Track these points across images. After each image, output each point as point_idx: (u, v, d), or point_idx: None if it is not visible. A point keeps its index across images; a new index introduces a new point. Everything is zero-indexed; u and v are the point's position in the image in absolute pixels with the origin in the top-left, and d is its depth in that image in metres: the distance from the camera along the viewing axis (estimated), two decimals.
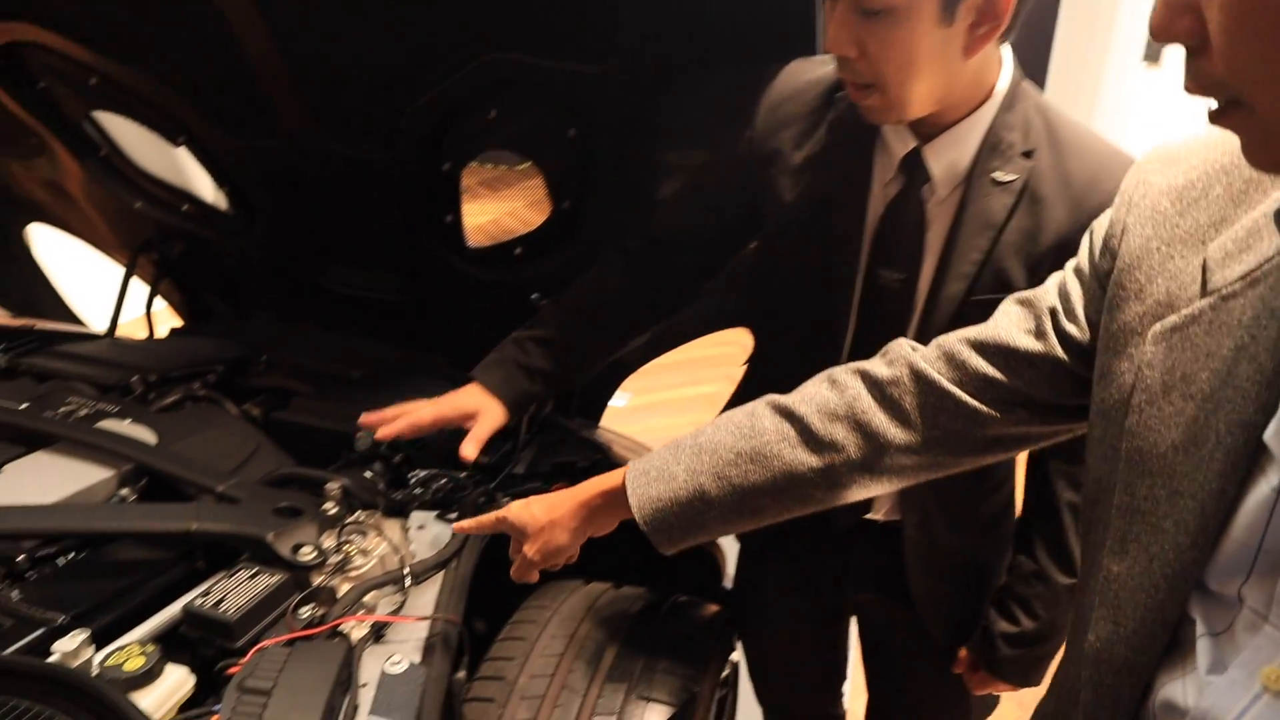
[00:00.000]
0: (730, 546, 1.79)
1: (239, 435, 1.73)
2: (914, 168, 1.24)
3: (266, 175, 2.19)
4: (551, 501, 1.13)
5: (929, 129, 1.22)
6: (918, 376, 0.95)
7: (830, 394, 0.99)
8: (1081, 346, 0.86)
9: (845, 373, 1.00)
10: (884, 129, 1.27)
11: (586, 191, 1.97)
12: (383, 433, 1.49)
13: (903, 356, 0.97)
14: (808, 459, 0.97)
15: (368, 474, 1.67)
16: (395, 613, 1.25)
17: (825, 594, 1.60)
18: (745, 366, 1.68)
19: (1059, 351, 0.88)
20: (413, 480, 1.68)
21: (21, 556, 1.30)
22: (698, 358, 3.49)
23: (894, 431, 0.95)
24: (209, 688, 1.13)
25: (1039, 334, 0.90)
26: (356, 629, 1.21)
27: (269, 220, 2.27)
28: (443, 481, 1.66)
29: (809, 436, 0.97)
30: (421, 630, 1.23)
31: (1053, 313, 0.89)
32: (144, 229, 2.46)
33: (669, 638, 1.48)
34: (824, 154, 1.33)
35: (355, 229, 2.22)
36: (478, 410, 1.50)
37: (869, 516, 1.43)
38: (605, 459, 1.84)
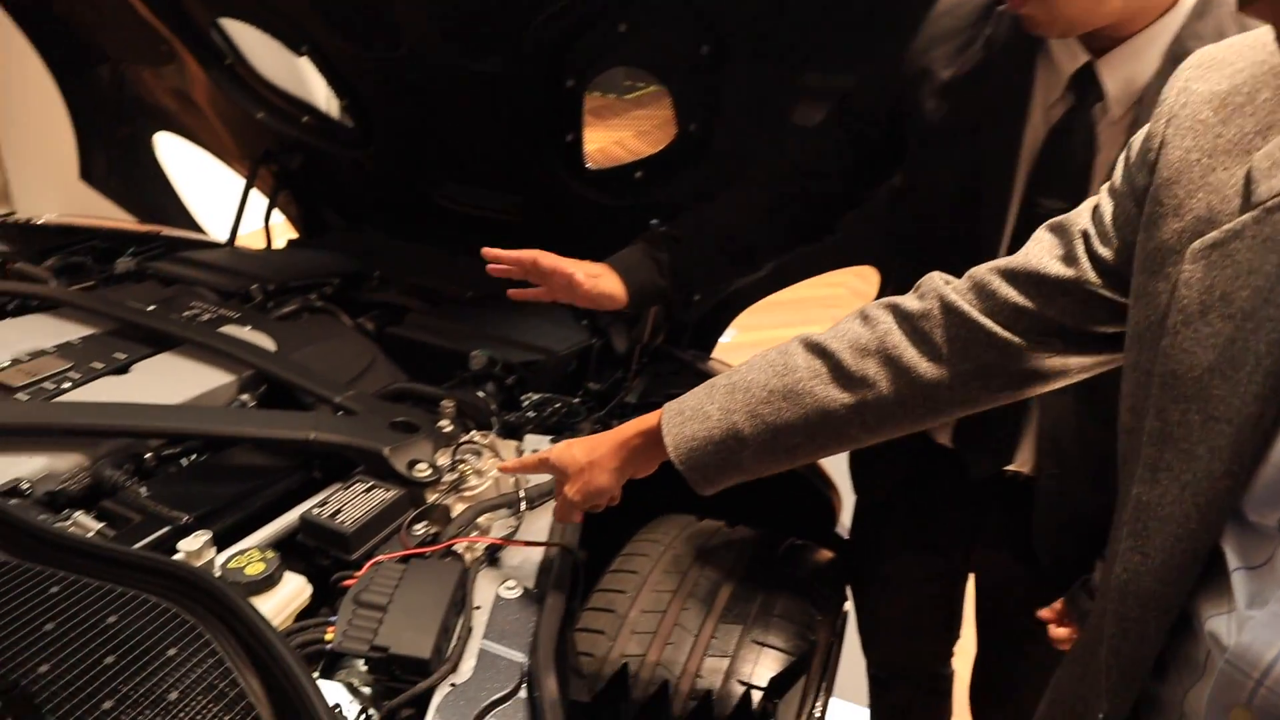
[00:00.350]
0: (848, 494, 1.72)
1: (355, 347, 1.72)
2: (1085, 85, 1.12)
3: (386, 88, 2.16)
4: (592, 443, 1.11)
5: (1103, 41, 1.09)
6: (948, 308, 0.92)
7: (862, 329, 0.96)
8: (1115, 270, 0.83)
9: (877, 307, 0.98)
10: (1050, 43, 1.15)
11: (715, 114, 1.88)
12: (496, 269, 1.44)
13: (934, 289, 0.94)
14: (840, 395, 0.95)
15: (481, 394, 1.64)
16: (509, 537, 1.22)
17: (950, 552, 1.52)
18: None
19: (1091, 276, 0.85)
20: (525, 403, 1.65)
21: (149, 455, 1.31)
22: (805, 297, 3.38)
23: (925, 365, 0.93)
24: (323, 597, 1.12)
25: (1070, 259, 0.86)
26: (470, 550, 1.18)
27: (386, 134, 2.25)
28: (556, 406, 1.62)
29: (840, 372, 0.95)
30: (535, 556, 1.20)
31: (1084, 236, 0.86)
32: (265, 140, 2.47)
33: (784, 582, 1.42)
34: (978, 72, 1.22)
35: (472, 146, 2.18)
36: (601, 273, 1.43)
37: (1011, 469, 1.34)
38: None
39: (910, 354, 0.93)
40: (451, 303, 2.08)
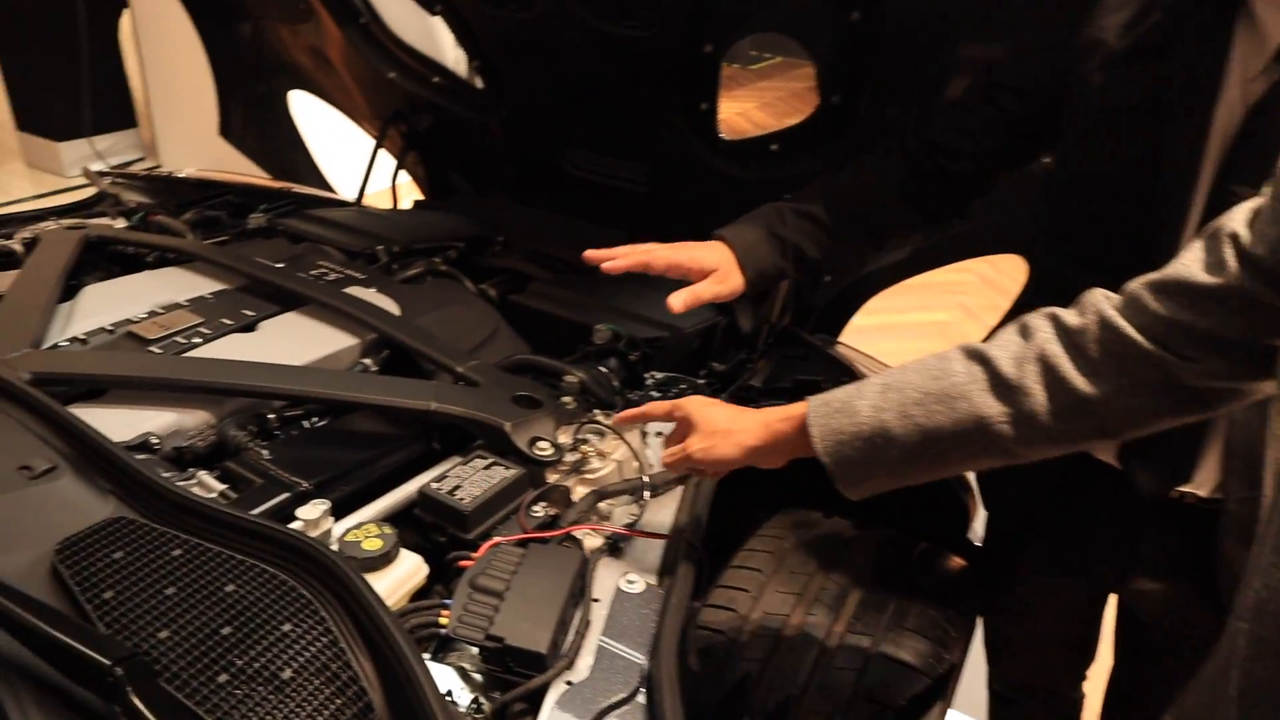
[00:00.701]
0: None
1: (478, 315, 1.68)
2: None
3: (519, 50, 2.11)
4: (736, 412, 1.09)
5: None
6: (1104, 323, 0.88)
7: (1021, 339, 0.93)
8: (1273, 273, 0.77)
9: (1038, 317, 0.94)
10: (1256, 6, 1.00)
11: (860, 85, 1.76)
12: (609, 266, 1.35)
13: (1094, 303, 0.91)
14: (995, 404, 0.91)
15: (603, 369, 1.59)
16: (632, 526, 1.16)
17: (1097, 575, 1.39)
18: (1015, 304, 1.46)
19: (1245, 282, 0.79)
20: (649, 382, 1.59)
21: (272, 415, 1.31)
22: (931, 282, 3.22)
23: (1080, 381, 0.88)
24: (437, 574, 1.09)
25: (1218, 266, 0.81)
26: (591, 538, 1.13)
27: (517, 97, 2.20)
28: (681, 387, 1.56)
29: (998, 381, 0.91)
30: (658, 549, 1.14)
31: (1234, 239, 0.80)
32: (395, 100, 2.46)
33: (917, 590, 1.33)
34: (1161, 43, 1.08)
35: (604, 112, 2.11)
36: (716, 269, 1.34)
37: (1185, 489, 1.21)
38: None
39: (1067, 367, 0.89)
40: (575, 272, 2.03)
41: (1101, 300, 0.91)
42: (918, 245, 1.98)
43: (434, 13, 2.15)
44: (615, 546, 1.14)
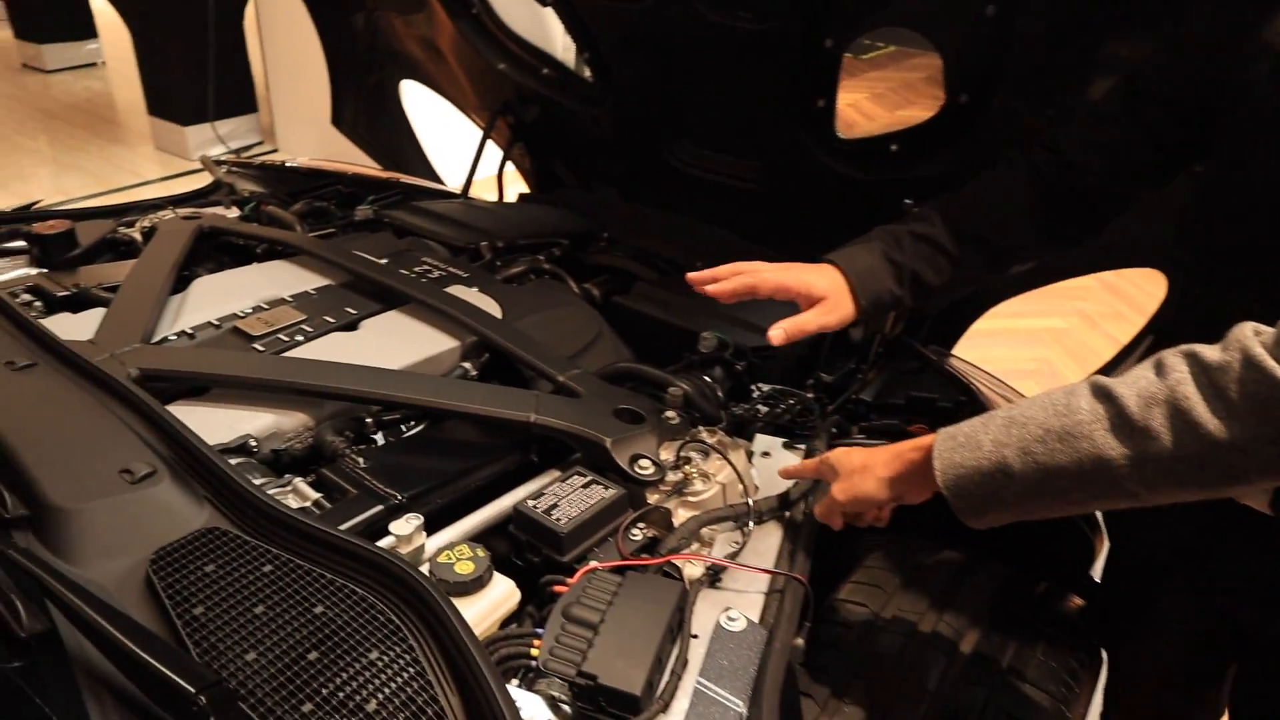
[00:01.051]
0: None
1: (581, 318, 1.64)
2: None
3: (631, 41, 2.06)
4: (870, 450, 1.09)
5: None
6: (1249, 362, 0.81)
7: (1153, 377, 0.88)
8: None
9: (1174, 354, 0.89)
10: None
11: (992, 84, 1.65)
12: (714, 290, 1.30)
13: (1240, 339, 0.83)
14: (1117, 445, 0.87)
15: (707, 378, 1.52)
16: (735, 556, 1.10)
17: (1237, 616, 1.27)
18: (1150, 323, 1.33)
19: None
20: (756, 395, 1.52)
21: (369, 419, 1.29)
22: (1049, 286, 3.06)
23: (1214, 425, 0.82)
24: (529, 592, 1.05)
25: None
26: (691, 567, 1.07)
27: (626, 90, 2.15)
28: (790, 402, 1.48)
29: (1123, 420, 0.87)
30: (761, 582, 1.08)
31: None
32: (504, 91, 2.44)
33: (1036, 636, 1.23)
34: None
35: (715, 106, 2.04)
36: (825, 296, 1.27)
37: None
38: (972, 402, 1.56)
39: (1200, 410, 0.83)
40: (681, 272, 1.97)
41: (1249, 336, 0.83)
42: (1044, 260, 1.86)
43: (545, 4, 2.11)
44: (716, 577, 1.08)
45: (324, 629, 0.86)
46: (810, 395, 1.55)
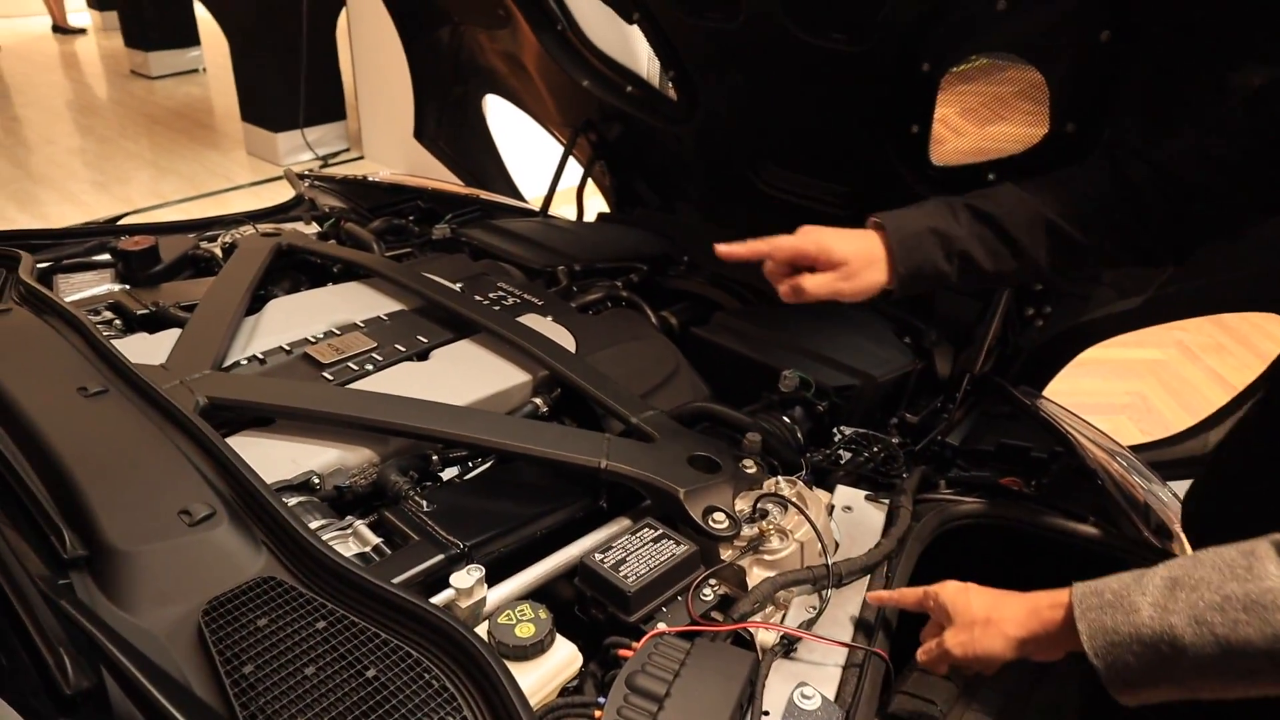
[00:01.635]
0: None
1: (658, 353, 1.58)
2: None
3: (717, 61, 2.00)
4: (996, 598, 0.94)
5: None
6: None
7: None
8: None
9: None
10: None
11: (1100, 113, 1.54)
12: (724, 251, 1.21)
13: None
14: None
15: (786, 418, 1.45)
16: (811, 624, 1.03)
17: None
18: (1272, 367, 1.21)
19: None
20: (838, 439, 1.44)
21: (435, 457, 1.25)
22: None
23: None
24: (590, 649, 0.99)
25: None
26: (764, 633, 1.00)
27: (712, 110, 2.09)
28: (875, 450, 1.40)
29: None
30: (839, 654, 1.00)
31: None
32: (587, 108, 2.41)
33: None
34: None
35: (803, 128, 1.97)
36: (846, 262, 1.16)
37: None
38: (1069, 454, 1.45)
39: None
40: (762, 300, 1.90)
41: None
42: (1153, 293, 1.74)
43: (631, 21, 2.07)
44: (791, 647, 1.01)
45: (376, 694, 0.81)
46: (895, 440, 1.47)
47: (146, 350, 1.36)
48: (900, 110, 1.74)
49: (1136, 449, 1.82)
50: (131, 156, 5.85)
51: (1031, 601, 0.90)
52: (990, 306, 1.71)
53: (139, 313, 1.55)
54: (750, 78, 1.95)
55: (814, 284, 1.15)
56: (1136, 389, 3.71)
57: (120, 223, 2.00)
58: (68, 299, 1.64)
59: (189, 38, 7.84)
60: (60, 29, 9.64)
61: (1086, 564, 1.25)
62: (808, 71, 1.82)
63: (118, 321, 1.57)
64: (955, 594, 0.96)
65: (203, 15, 6.86)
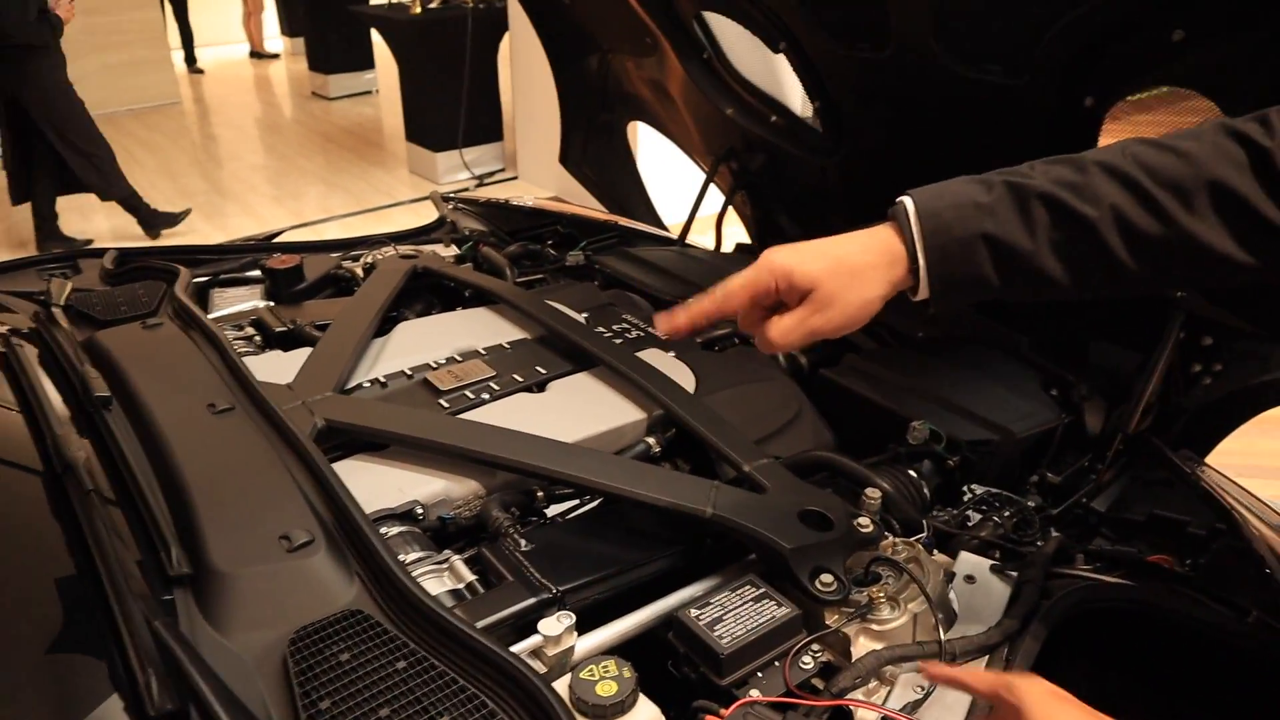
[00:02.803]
0: None
1: (780, 396, 1.52)
2: None
3: (866, 92, 1.92)
4: (1091, 715, 0.74)
5: None
6: None
7: None
8: None
9: None
10: None
11: None
12: (667, 326, 0.98)
13: None
14: None
15: (912, 473, 1.36)
16: (917, 707, 0.94)
17: None
18: None
19: None
20: (967, 498, 1.34)
21: (540, 494, 1.23)
22: None
23: None
24: (678, 710, 0.94)
25: None
26: (864, 713, 0.93)
27: (859, 142, 2.02)
28: (1007, 514, 1.29)
29: None
30: None
31: None
32: (730, 137, 2.37)
33: None
34: None
35: (955, 164, 1.84)
36: (816, 285, 0.91)
37: None
38: (1232, 533, 1.30)
39: None
40: (899, 341, 1.81)
41: None
42: None
43: (777, 50, 2.02)
44: None
45: None
46: (1032, 503, 1.36)
47: (277, 368, 1.40)
48: (1061, 147, 1.62)
49: None
50: (306, 173, 6.21)
51: None
52: (1151, 357, 1.57)
53: (277, 330, 1.61)
54: (899, 110, 1.87)
55: (779, 330, 0.92)
56: None
57: (275, 240, 2.10)
58: (218, 313, 1.73)
59: (365, 61, 8.31)
60: (257, 54, 10.41)
61: (1238, 665, 1.12)
62: (961, 105, 1.72)
63: (258, 337, 1.63)
64: (1040, 700, 0.75)
65: (378, 40, 7.24)
